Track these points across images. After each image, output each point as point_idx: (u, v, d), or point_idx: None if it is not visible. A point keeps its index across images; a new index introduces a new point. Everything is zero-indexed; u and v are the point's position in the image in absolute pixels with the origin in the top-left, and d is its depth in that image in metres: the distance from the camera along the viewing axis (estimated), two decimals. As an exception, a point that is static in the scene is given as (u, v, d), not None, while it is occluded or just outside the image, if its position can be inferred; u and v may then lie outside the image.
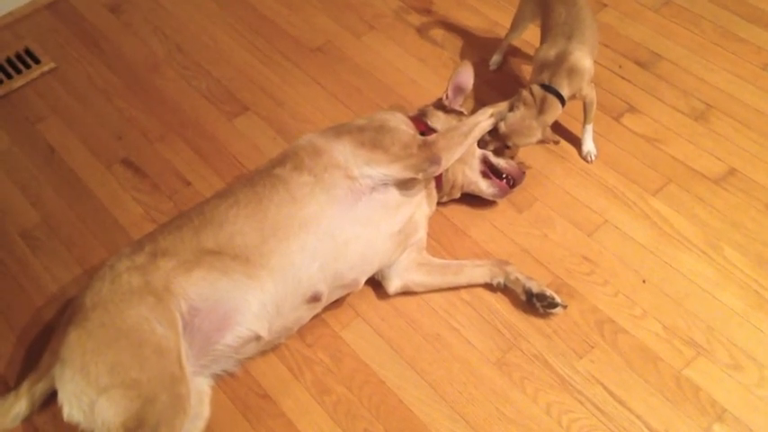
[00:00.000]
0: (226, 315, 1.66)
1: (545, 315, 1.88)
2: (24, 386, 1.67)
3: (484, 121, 1.96)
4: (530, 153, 2.22)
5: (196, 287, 1.64)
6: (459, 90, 2.11)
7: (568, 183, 2.15)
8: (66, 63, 2.60)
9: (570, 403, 1.75)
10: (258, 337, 1.71)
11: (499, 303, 1.92)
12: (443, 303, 1.92)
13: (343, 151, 1.81)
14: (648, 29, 2.53)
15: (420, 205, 1.92)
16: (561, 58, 2.00)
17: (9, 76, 2.55)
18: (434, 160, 1.82)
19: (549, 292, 1.86)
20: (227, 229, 1.71)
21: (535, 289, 1.86)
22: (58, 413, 1.59)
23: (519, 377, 1.79)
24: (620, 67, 2.43)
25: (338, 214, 1.75)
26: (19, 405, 1.66)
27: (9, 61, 2.59)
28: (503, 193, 2.06)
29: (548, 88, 1.98)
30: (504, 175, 2.05)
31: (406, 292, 1.93)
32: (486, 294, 1.93)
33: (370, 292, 1.95)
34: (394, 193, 1.84)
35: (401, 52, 2.54)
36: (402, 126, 1.92)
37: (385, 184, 1.82)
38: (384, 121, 1.91)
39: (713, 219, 2.05)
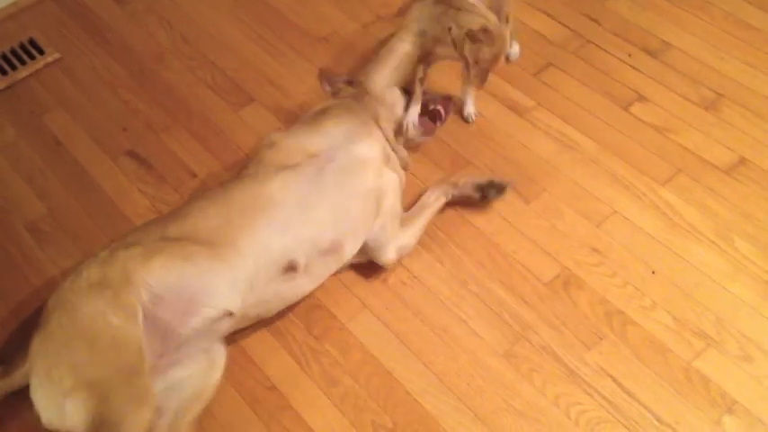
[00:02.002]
0: (191, 299, 1.64)
1: (497, 201, 2.04)
2: None
3: None
4: (536, 143, 2.20)
5: (156, 275, 1.62)
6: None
7: (577, 173, 2.13)
8: (70, 54, 2.58)
9: (579, 395, 1.74)
10: (230, 314, 1.69)
11: (507, 294, 1.91)
12: (451, 295, 1.91)
13: (296, 133, 1.92)
14: (658, 17, 2.50)
15: (384, 170, 1.94)
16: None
17: (13, 67, 2.53)
18: None
19: (495, 178, 2.02)
20: (192, 218, 1.73)
21: (483, 181, 2.02)
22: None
23: (527, 369, 1.78)
24: (629, 55, 2.40)
25: (303, 185, 1.78)
26: None
27: (13, 52, 2.58)
28: (430, 132, 2.14)
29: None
30: (432, 110, 2.12)
31: (401, 259, 1.96)
32: (494, 286, 1.92)
33: (378, 285, 1.94)
34: (352, 157, 1.87)
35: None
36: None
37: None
38: (325, 106, 2.02)
39: (723, 209, 2.03)
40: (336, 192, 1.81)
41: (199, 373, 1.71)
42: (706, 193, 2.06)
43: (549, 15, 2.55)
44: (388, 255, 1.93)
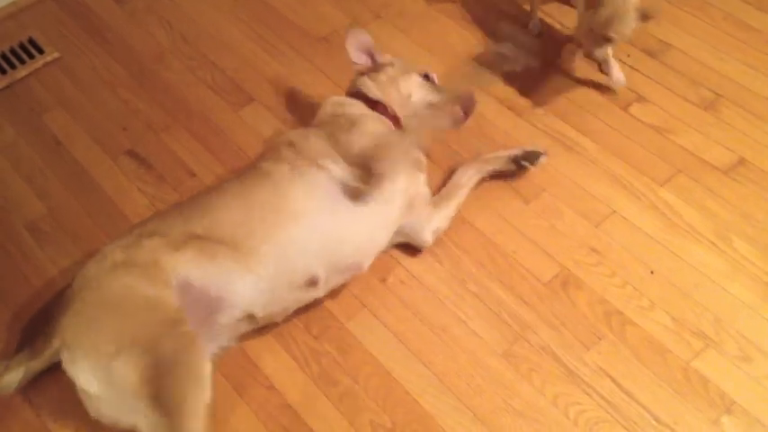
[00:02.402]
0: (217, 297, 1.66)
1: (496, 201, 2.05)
2: (16, 360, 1.70)
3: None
4: (536, 143, 2.20)
5: (186, 266, 1.64)
6: (363, 51, 2.10)
7: (576, 173, 2.13)
8: (70, 53, 2.58)
9: (578, 395, 1.74)
10: (252, 317, 1.73)
11: (506, 294, 1.91)
12: (450, 295, 1.91)
13: (318, 137, 1.87)
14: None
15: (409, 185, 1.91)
16: None
17: (13, 67, 2.54)
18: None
19: (527, 148, 2.06)
20: (214, 215, 1.72)
21: (517, 152, 2.07)
22: (56, 395, 1.62)
23: (526, 369, 1.79)
24: (628, 55, 2.40)
25: (321, 207, 1.76)
26: (9, 376, 1.69)
27: (13, 51, 2.58)
28: (459, 123, 2.07)
29: None
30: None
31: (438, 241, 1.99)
32: (494, 285, 1.92)
33: (377, 285, 1.95)
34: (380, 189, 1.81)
35: (408, 42, 2.52)
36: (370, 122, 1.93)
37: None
38: (352, 118, 1.94)
39: (722, 209, 2.03)
40: (360, 216, 1.79)
41: None
42: (705, 194, 2.07)
43: (546, 14, 2.55)
44: (425, 238, 1.96)
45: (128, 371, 1.52)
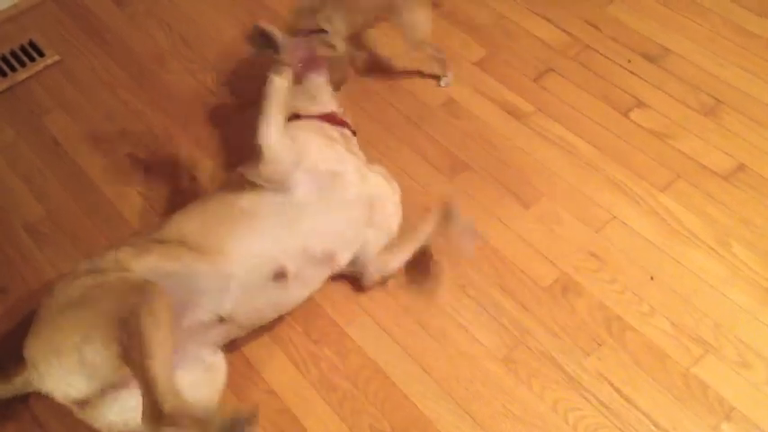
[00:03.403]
0: (181, 299, 1.61)
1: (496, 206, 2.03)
2: None
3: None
4: (536, 148, 2.20)
5: (150, 271, 1.61)
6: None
7: (576, 178, 2.13)
8: (70, 56, 2.58)
9: (577, 401, 1.74)
10: (221, 319, 1.68)
11: (506, 300, 1.91)
12: (450, 299, 1.91)
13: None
14: (657, 23, 2.51)
15: (364, 176, 1.88)
16: None
17: (13, 69, 2.53)
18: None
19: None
20: (175, 225, 1.73)
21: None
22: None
23: (525, 374, 1.78)
24: (628, 61, 2.40)
25: (276, 200, 1.74)
26: None
27: (13, 54, 2.58)
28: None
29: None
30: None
31: (385, 281, 1.94)
32: (493, 291, 1.92)
33: (377, 289, 1.94)
34: (318, 172, 1.80)
35: (408, 47, 2.51)
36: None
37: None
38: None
39: (722, 215, 2.03)
40: (319, 204, 1.77)
41: (199, 383, 1.67)
42: (705, 200, 2.07)
43: (548, 20, 2.55)
44: (371, 276, 1.90)
45: (98, 347, 1.45)
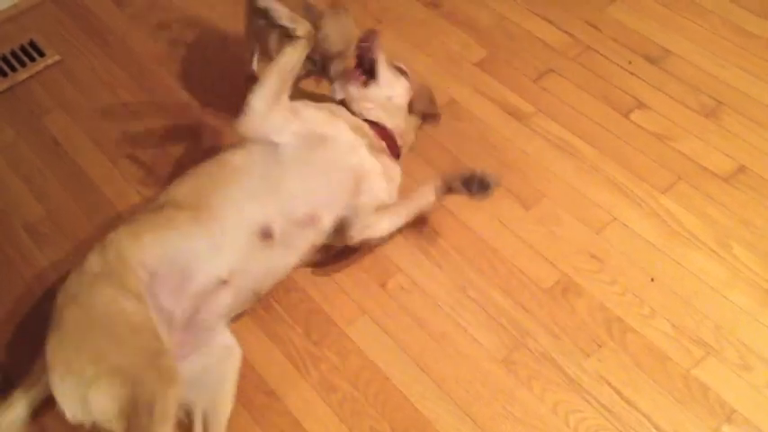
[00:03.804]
0: (183, 268, 1.67)
1: (498, 207, 2.03)
2: (16, 394, 1.66)
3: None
4: (536, 149, 2.20)
5: (147, 250, 1.66)
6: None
7: (576, 179, 2.13)
8: (71, 56, 2.58)
9: (577, 402, 1.74)
10: (223, 281, 1.71)
11: (506, 301, 1.90)
12: (450, 300, 1.91)
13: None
14: (658, 24, 2.51)
15: (353, 145, 1.88)
16: None
17: (14, 69, 2.53)
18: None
19: (478, 171, 1.87)
20: (170, 190, 1.80)
21: (468, 175, 1.87)
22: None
23: (526, 375, 1.78)
24: (629, 62, 2.40)
25: (266, 156, 1.79)
26: (12, 413, 1.64)
27: (14, 54, 2.58)
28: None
29: None
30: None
31: (372, 245, 1.95)
32: (493, 292, 1.92)
33: (377, 290, 1.94)
34: (305, 136, 1.82)
35: (408, 47, 2.51)
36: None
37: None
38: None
39: (723, 217, 2.03)
40: (303, 167, 1.80)
41: (216, 362, 1.73)
42: (705, 201, 2.06)
43: (548, 21, 2.55)
44: (352, 233, 1.88)
45: (104, 398, 1.50)
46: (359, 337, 1.87)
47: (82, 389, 1.51)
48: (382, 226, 1.90)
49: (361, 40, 2.01)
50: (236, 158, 1.80)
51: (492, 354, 1.82)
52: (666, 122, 2.25)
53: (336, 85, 2.04)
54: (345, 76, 2.03)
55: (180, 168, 2.23)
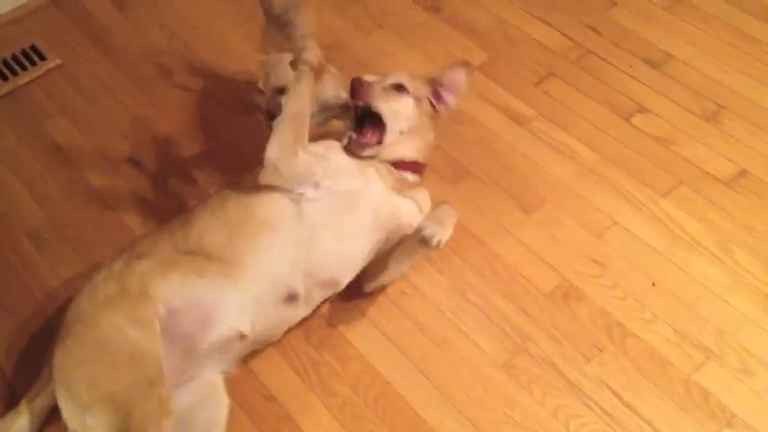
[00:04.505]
0: (206, 315, 1.65)
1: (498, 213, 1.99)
2: (23, 403, 1.67)
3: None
4: (537, 153, 2.20)
5: (173, 289, 1.63)
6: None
7: (577, 184, 2.13)
8: (72, 60, 2.58)
9: (578, 407, 1.73)
10: (242, 335, 1.70)
11: (507, 306, 1.90)
12: (450, 305, 1.91)
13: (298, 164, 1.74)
14: (659, 28, 2.51)
15: (384, 197, 1.80)
16: None
17: (15, 73, 2.53)
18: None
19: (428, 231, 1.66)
20: (197, 229, 1.72)
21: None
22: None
23: (526, 380, 1.78)
24: (630, 66, 2.40)
25: (294, 214, 1.72)
26: (20, 421, 1.65)
27: (15, 58, 2.58)
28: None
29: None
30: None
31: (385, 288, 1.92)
32: (495, 297, 1.92)
33: (378, 295, 1.94)
34: (335, 194, 1.75)
35: (410, 51, 2.52)
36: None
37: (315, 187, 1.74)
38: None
39: (724, 221, 2.03)
40: (332, 228, 1.73)
41: (204, 401, 1.70)
42: (707, 205, 2.06)
43: (549, 25, 2.55)
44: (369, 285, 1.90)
45: (99, 425, 1.51)
46: (359, 341, 1.87)
47: (79, 411, 1.54)
48: (400, 269, 1.89)
49: (352, 96, 1.85)
50: (263, 210, 1.72)
51: (493, 358, 1.82)
52: (668, 126, 2.25)
53: (353, 149, 1.83)
54: (358, 146, 1.82)
55: (182, 174, 2.24)
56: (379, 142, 1.84)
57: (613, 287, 1.92)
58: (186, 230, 1.73)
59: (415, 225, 1.75)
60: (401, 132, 1.87)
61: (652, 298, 1.89)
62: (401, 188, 1.85)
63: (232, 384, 1.79)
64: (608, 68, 2.41)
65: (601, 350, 1.81)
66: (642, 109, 2.29)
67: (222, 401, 1.72)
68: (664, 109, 2.29)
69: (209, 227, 1.73)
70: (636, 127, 2.25)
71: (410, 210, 1.84)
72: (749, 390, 1.74)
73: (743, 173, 2.12)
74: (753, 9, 2.52)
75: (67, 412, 1.56)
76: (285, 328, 1.81)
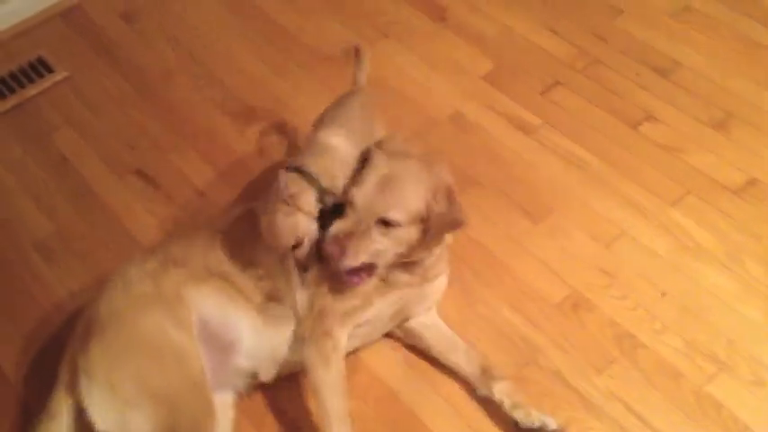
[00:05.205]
0: (230, 341, 1.65)
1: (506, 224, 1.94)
2: (54, 406, 1.59)
3: None
4: (544, 163, 2.19)
5: (206, 301, 1.64)
6: None
7: (585, 193, 2.12)
8: (79, 72, 2.59)
9: (589, 420, 1.72)
10: (255, 375, 1.72)
11: (515, 317, 1.89)
12: (459, 318, 1.89)
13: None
14: (667, 35, 2.49)
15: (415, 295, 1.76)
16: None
17: (22, 86, 2.54)
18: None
19: (537, 422, 1.64)
20: (218, 257, 1.68)
21: (523, 421, 1.65)
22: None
23: (537, 392, 1.76)
24: (637, 74, 2.39)
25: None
26: (57, 425, 1.58)
27: (22, 70, 2.59)
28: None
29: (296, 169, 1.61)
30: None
31: (406, 342, 1.86)
32: (503, 307, 1.91)
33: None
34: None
35: (415, 60, 2.51)
36: None
37: None
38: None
39: (734, 230, 2.01)
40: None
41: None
42: (716, 214, 2.05)
43: (555, 33, 2.54)
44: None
45: (142, 422, 1.49)
46: (368, 353, 1.85)
47: (120, 406, 1.51)
48: None
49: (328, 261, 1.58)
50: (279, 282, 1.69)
51: (502, 370, 1.80)
52: (676, 135, 2.23)
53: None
54: (348, 283, 1.62)
55: (189, 185, 2.24)
56: (370, 275, 1.60)
57: (623, 298, 1.90)
58: (218, 254, 1.69)
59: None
60: (385, 252, 1.57)
61: (662, 308, 1.88)
62: (427, 276, 1.75)
63: (239, 395, 1.79)
64: (615, 77, 2.40)
65: (611, 362, 1.80)
66: (650, 117, 2.28)
67: (228, 414, 1.72)
68: (672, 117, 2.28)
69: (230, 257, 1.69)
70: (643, 135, 2.24)
71: (440, 285, 1.84)
72: (762, 401, 1.72)
73: (752, 181, 2.11)
74: (760, 16, 2.51)
75: (104, 409, 1.51)
76: (290, 369, 1.77)
